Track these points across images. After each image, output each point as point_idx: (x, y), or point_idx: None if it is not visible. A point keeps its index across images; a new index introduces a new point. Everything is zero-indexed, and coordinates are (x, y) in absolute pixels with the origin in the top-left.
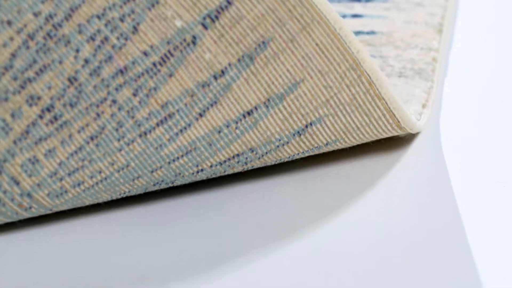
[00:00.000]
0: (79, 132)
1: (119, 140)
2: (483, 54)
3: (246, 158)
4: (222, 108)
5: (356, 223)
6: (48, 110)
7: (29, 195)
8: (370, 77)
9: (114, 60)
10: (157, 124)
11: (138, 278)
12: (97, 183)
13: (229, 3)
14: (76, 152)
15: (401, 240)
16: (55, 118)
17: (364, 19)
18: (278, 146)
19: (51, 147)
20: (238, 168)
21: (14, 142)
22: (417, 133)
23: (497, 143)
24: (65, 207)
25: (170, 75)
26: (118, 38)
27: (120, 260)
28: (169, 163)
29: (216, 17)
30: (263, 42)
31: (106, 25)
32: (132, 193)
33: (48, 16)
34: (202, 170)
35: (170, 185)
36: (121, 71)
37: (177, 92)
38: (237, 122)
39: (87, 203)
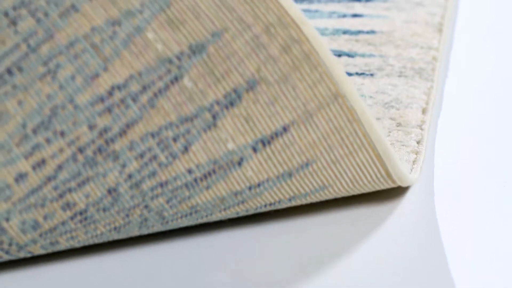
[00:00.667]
0: (104, 226)
1: (140, 228)
2: (483, 53)
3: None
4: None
5: (344, 276)
6: (81, 213)
7: None
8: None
9: (157, 175)
10: (181, 217)
11: None
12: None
13: (285, 130)
14: (96, 236)
15: None
16: (85, 218)
17: (364, 18)
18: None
19: (73, 235)
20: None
21: (40, 235)
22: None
23: (497, 143)
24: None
25: (208, 188)
26: (166, 157)
27: None
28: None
29: (269, 142)
30: (306, 164)
31: (158, 144)
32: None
33: (102, 130)
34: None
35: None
36: (161, 185)
37: (209, 199)
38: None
39: None
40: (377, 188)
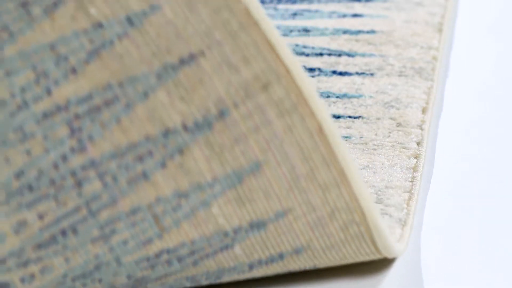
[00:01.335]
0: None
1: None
2: (483, 53)
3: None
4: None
5: None
6: None
7: None
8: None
9: (145, 249)
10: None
11: None
12: None
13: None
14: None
15: None
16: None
17: (364, 18)
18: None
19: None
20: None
21: None
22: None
23: (497, 143)
24: None
25: (195, 264)
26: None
27: None
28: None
29: (264, 224)
30: (300, 248)
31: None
32: None
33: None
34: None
35: None
36: (148, 259)
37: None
38: None
39: None
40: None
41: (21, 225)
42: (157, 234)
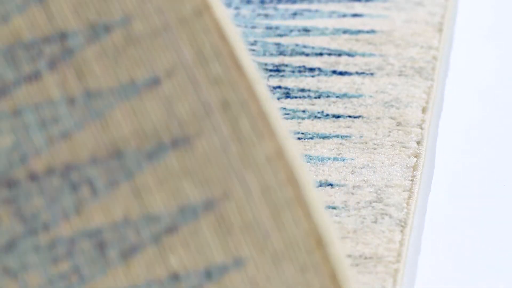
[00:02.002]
0: None
1: None
2: (483, 52)
3: None
4: None
5: None
6: None
7: None
8: None
9: None
10: None
11: None
12: None
13: None
14: None
15: None
16: None
17: (364, 18)
18: None
19: None
20: None
21: None
22: None
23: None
24: None
25: None
26: None
27: None
28: None
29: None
30: None
31: None
32: None
33: None
34: None
35: None
36: None
37: None
38: None
39: None
40: None
41: None
42: None
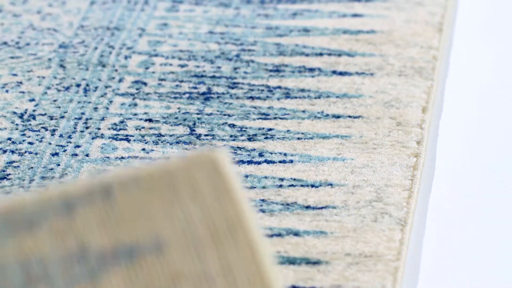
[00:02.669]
0: None
1: None
2: (483, 52)
3: None
4: None
5: None
6: None
7: None
8: None
9: None
10: None
11: None
12: None
13: None
14: None
15: None
16: None
17: (364, 18)
18: None
19: None
20: None
21: None
22: None
23: (498, 143)
24: None
25: None
26: None
27: None
28: None
29: None
30: None
31: None
32: None
33: None
34: None
35: None
36: None
37: None
38: None
39: None
40: None
41: None
42: None
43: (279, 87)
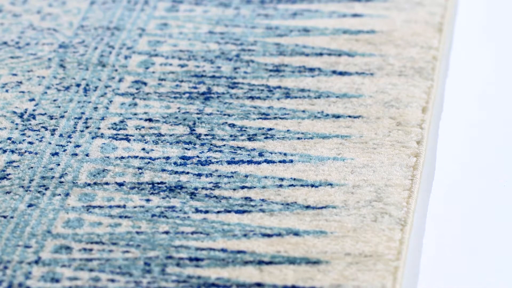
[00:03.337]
0: None
1: None
2: (483, 52)
3: None
4: None
5: None
6: None
7: None
8: None
9: None
10: None
11: None
12: None
13: None
14: None
15: None
16: None
17: (364, 18)
18: None
19: None
20: None
21: None
22: None
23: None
24: None
25: None
26: None
27: None
28: None
29: None
30: None
31: None
32: None
33: None
34: None
35: None
36: None
37: None
38: None
39: None
40: None
41: None
42: None
43: (279, 87)
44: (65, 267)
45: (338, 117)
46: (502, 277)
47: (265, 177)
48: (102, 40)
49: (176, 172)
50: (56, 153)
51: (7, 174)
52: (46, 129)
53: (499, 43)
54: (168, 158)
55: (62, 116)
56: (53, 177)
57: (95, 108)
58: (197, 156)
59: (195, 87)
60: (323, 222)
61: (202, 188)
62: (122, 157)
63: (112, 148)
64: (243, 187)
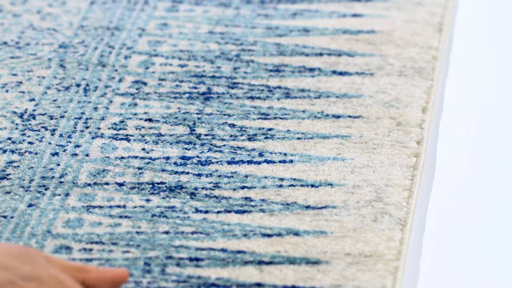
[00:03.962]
0: None
1: None
2: (483, 52)
3: None
4: None
5: None
6: None
7: None
8: None
9: None
10: None
11: None
12: None
13: None
14: None
15: None
16: None
17: (364, 18)
18: None
19: None
20: None
21: None
22: None
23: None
24: None
25: None
26: None
27: None
28: None
29: None
30: None
31: None
32: None
33: None
34: None
35: None
36: None
37: None
38: None
39: None
40: None
41: None
42: None
43: (279, 87)
44: None
45: (338, 117)
46: (502, 277)
47: (265, 177)
48: (102, 40)
49: (176, 172)
50: (56, 153)
51: (7, 174)
52: (46, 129)
53: (499, 43)
54: (168, 158)
55: (62, 116)
56: (53, 177)
57: (95, 108)
58: (197, 156)
59: (195, 87)
60: (323, 222)
61: (202, 188)
62: (122, 157)
63: (112, 148)
64: (243, 187)
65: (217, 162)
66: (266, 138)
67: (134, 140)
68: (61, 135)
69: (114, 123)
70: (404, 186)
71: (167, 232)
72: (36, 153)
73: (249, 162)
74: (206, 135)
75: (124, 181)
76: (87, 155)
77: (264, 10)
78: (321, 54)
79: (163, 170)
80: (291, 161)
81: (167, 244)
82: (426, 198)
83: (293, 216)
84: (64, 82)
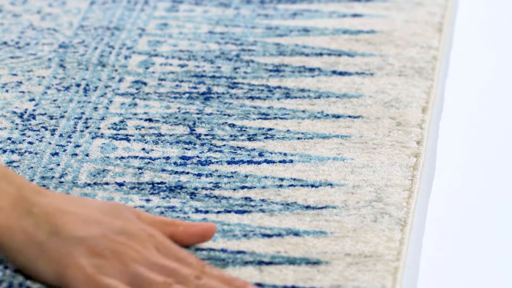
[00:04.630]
0: None
1: None
2: (483, 52)
3: None
4: None
5: None
6: None
7: None
8: None
9: None
10: None
11: None
12: None
13: None
14: None
15: None
16: None
17: (364, 18)
18: None
19: None
20: None
21: None
22: None
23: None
24: None
25: None
26: None
27: None
28: None
29: None
30: None
31: None
32: None
33: None
34: None
35: None
36: None
37: None
38: None
39: None
40: None
41: None
42: None
43: (279, 87)
44: None
45: (338, 117)
46: (502, 277)
47: (265, 177)
48: (102, 40)
49: (176, 172)
50: (56, 153)
51: None
52: (46, 129)
53: (499, 43)
54: (168, 158)
55: (62, 116)
56: (53, 177)
57: (95, 108)
58: (197, 156)
59: (195, 87)
60: (323, 222)
61: (202, 188)
62: (122, 157)
63: (112, 148)
64: (243, 187)
65: (217, 162)
66: (266, 138)
67: (134, 140)
68: (61, 135)
69: (114, 123)
70: (404, 186)
71: None
72: (36, 153)
73: (249, 162)
74: (206, 135)
75: (124, 181)
76: (87, 155)
77: (264, 10)
78: (321, 54)
79: (163, 170)
80: (291, 161)
81: None
82: (426, 198)
83: (293, 216)
84: (64, 82)
